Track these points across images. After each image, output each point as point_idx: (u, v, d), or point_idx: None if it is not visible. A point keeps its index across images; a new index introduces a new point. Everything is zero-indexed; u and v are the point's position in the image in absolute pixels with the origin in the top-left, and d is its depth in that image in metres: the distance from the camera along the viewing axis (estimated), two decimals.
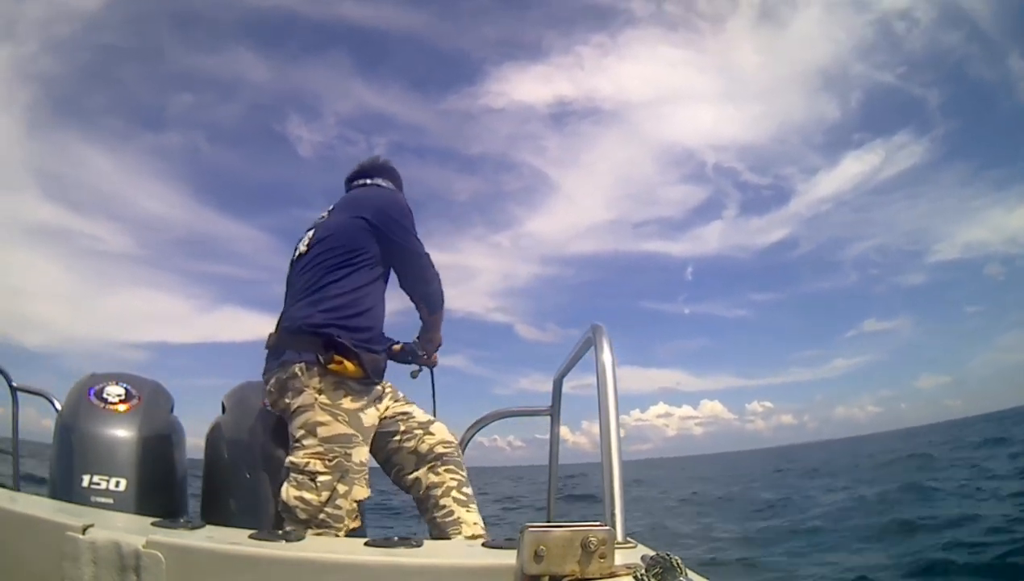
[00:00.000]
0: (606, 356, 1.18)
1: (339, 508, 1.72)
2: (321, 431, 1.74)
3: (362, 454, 1.82)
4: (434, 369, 2.26)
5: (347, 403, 1.79)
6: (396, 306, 2.14)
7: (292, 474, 1.74)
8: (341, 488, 1.73)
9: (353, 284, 1.89)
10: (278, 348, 1.88)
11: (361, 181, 2.19)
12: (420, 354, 2.23)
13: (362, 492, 1.80)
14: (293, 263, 2.03)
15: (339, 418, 1.77)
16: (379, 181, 2.19)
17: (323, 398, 1.76)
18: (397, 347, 2.20)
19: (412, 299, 2.13)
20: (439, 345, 2.26)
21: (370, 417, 1.87)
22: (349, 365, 1.78)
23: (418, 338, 2.23)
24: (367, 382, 1.85)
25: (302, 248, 2.00)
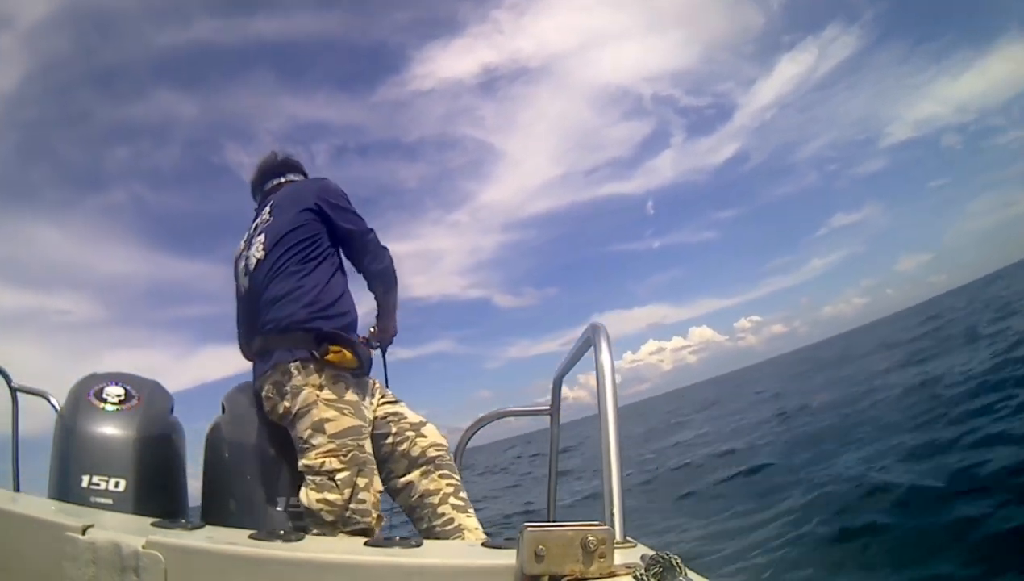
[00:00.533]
0: (605, 356, 1.18)
1: (363, 502, 1.71)
2: (329, 427, 1.72)
3: (370, 445, 1.81)
4: (386, 350, 2.21)
5: (349, 395, 1.78)
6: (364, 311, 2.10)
7: (308, 477, 1.71)
8: (361, 481, 1.71)
9: (322, 276, 1.90)
10: (266, 351, 1.86)
11: (273, 181, 2.18)
12: (375, 344, 2.17)
13: (379, 483, 1.79)
14: (252, 273, 1.98)
15: (345, 411, 1.75)
16: (291, 176, 2.20)
17: (325, 393, 1.75)
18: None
19: (367, 279, 2.09)
20: (394, 335, 2.20)
21: (369, 410, 1.87)
22: (347, 353, 1.77)
23: (372, 329, 2.18)
24: (361, 373, 1.85)
25: (258, 254, 1.95)
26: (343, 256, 2.04)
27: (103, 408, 1.85)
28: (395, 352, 2.25)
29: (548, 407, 2.06)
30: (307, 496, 1.69)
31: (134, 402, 1.90)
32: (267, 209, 2.05)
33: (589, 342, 1.27)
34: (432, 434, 2.00)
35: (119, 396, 1.89)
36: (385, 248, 2.07)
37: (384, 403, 2.01)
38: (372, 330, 2.18)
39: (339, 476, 1.69)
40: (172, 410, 2.04)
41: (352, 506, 1.69)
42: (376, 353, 2.18)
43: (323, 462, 1.70)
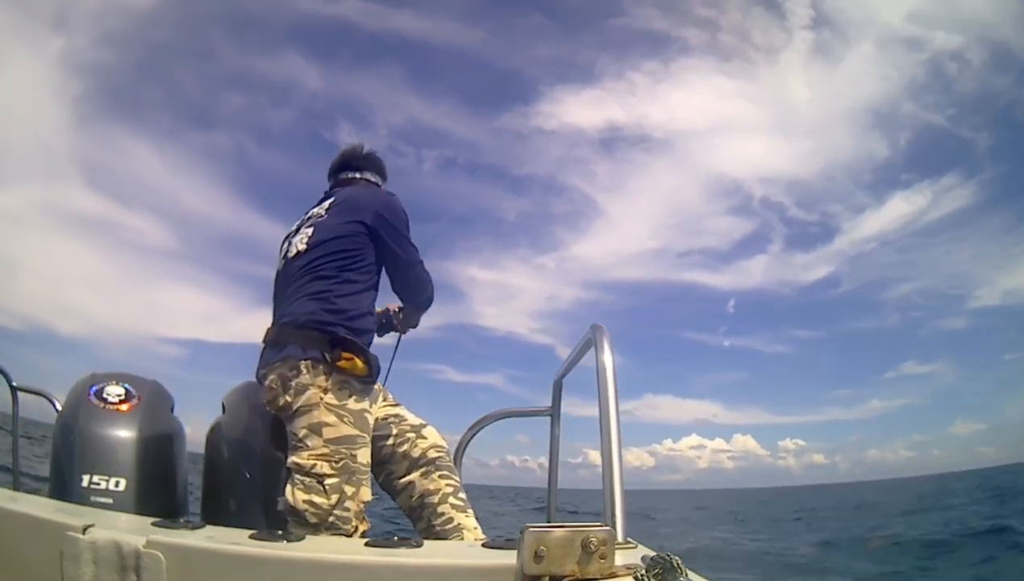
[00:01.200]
0: (606, 356, 1.18)
1: (347, 510, 1.71)
2: (327, 432, 1.72)
3: (366, 455, 1.81)
4: (401, 336, 2.33)
5: (352, 404, 1.78)
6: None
7: (297, 476, 1.71)
8: (349, 490, 1.72)
9: (354, 288, 1.90)
10: (279, 343, 1.85)
11: (348, 174, 2.18)
12: (396, 323, 2.29)
13: (367, 493, 1.79)
14: (289, 260, 2.00)
15: (344, 419, 1.75)
16: (367, 175, 2.19)
17: (329, 397, 1.75)
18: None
19: (402, 301, 2.15)
20: (414, 326, 2.33)
21: (372, 418, 1.87)
22: (359, 362, 1.77)
23: (398, 310, 2.28)
24: (369, 381, 1.84)
25: (300, 246, 1.97)
26: (381, 277, 2.05)
27: (103, 407, 1.85)
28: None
29: (549, 408, 2.06)
30: (293, 495, 1.69)
31: (134, 401, 1.90)
32: (327, 202, 2.05)
33: (590, 343, 1.27)
34: (432, 436, 2.00)
35: (119, 395, 1.89)
36: (429, 279, 2.11)
37: (385, 405, 2.01)
38: (397, 310, 2.25)
39: (328, 481, 1.69)
40: (172, 409, 2.04)
41: (336, 512, 1.70)
42: (389, 337, 2.28)
43: (314, 464, 1.70)
